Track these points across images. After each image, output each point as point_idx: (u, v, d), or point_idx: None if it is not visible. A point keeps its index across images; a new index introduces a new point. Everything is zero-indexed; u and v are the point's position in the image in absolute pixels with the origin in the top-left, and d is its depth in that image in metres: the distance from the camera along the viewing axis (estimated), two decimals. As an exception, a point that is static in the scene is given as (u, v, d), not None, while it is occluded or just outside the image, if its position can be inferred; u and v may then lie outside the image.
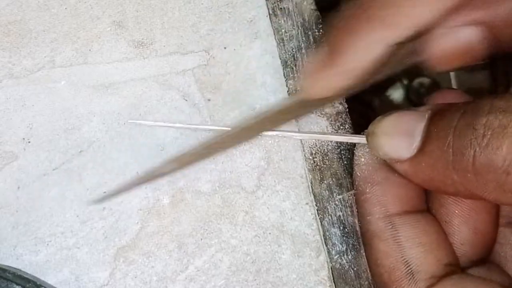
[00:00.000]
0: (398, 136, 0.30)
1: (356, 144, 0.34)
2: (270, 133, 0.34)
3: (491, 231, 0.33)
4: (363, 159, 0.34)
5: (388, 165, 0.32)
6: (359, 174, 0.34)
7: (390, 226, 0.32)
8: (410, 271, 0.31)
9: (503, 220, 0.34)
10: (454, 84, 0.62)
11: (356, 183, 0.34)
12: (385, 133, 0.30)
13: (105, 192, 0.33)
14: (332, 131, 0.35)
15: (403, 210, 0.32)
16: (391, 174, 0.33)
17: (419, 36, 0.30)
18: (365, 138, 0.32)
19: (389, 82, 0.60)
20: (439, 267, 0.31)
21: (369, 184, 0.33)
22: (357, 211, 0.34)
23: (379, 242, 0.32)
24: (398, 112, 0.31)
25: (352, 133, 0.35)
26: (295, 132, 0.34)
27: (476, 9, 0.29)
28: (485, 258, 0.34)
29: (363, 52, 0.29)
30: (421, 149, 0.29)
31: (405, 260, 0.31)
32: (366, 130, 0.32)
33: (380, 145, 0.31)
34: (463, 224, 0.33)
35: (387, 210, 0.32)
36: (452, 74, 0.62)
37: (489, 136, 0.25)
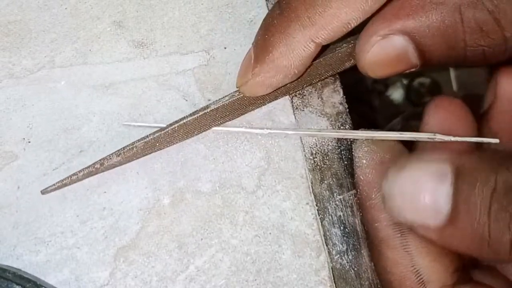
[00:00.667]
0: (419, 200, 0.27)
1: (354, 145, 0.34)
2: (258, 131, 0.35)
3: None
4: (364, 161, 0.33)
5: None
6: (362, 178, 0.33)
7: (399, 234, 0.31)
8: (421, 280, 0.30)
9: None
10: (454, 84, 0.62)
11: (360, 188, 0.33)
12: (404, 195, 0.28)
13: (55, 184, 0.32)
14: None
15: None
16: None
17: (345, 37, 0.31)
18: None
19: (389, 82, 0.60)
20: (447, 276, 0.31)
21: (375, 190, 0.32)
22: (363, 216, 0.34)
23: (387, 249, 0.32)
24: (414, 166, 0.28)
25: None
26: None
27: (402, 19, 0.30)
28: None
29: (292, 50, 0.30)
30: (451, 221, 0.27)
31: (415, 270, 0.31)
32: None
33: (401, 210, 0.28)
34: None
35: (395, 217, 0.31)
36: (452, 74, 0.63)
37: None
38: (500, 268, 0.33)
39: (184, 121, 0.33)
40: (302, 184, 0.35)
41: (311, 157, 0.35)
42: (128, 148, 0.32)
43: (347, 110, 0.36)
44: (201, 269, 0.33)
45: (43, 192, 0.32)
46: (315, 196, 0.34)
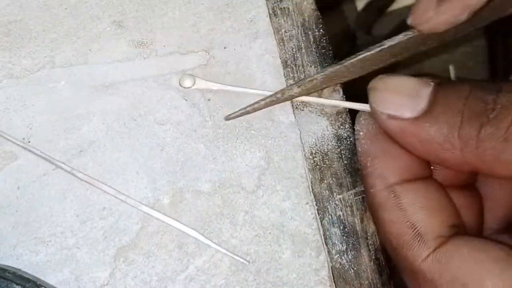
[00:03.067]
0: (402, 95, 0.31)
1: (356, 119, 0.34)
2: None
3: None
4: (361, 133, 0.34)
5: (386, 137, 0.33)
6: (359, 149, 0.34)
7: (393, 195, 0.32)
8: (417, 233, 0.32)
9: None
10: (452, 73, 0.62)
11: (359, 158, 0.34)
12: (389, 90, 0.32)
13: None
14: (332, 131, 0.35)
15: (402, 179, 0.33)
16: (389, 146, 0.33)
17: None
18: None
19: None
20: (444, 228, 0.32)
21: (369, 158, 0.33)
22: (364, 185, 0.34)
23: (383, 212, 0.33)
24: (402, 76, 0.32)
25: (352, 134, 0.35)
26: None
27: None
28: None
29: None
30: (427, 111, 0.30)
31: (410, 224, 0.32)
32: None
33: (382, 100, 0.32)
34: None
35: (388, 181, 0.33)
36: (451, 71, 0.63)
37: (498, 110, 0.28)
38: None
39: (361, 56, 0.33)
40: (302, 184, 0.35)
41: (310, 157, 0.35)
42: (308, 80, 0.34)
43: (347, 109, 0.36)
44: (201, 269, 0.33)
45: (227, 118, 0.35)
46: (314, 195, 0.35)
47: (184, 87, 0.35)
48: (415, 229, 0.32)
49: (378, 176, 0.33)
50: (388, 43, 0.33)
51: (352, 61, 0.33)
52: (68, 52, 0.35)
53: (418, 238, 0.32)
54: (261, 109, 0.35)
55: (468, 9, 0.31)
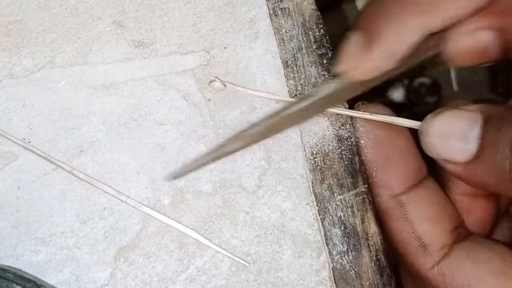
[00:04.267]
0: (452, 138, 0.32)
1: (356, 128, 0.36)
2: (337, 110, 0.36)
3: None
4: (362, 142, 0.36)
5: (387, 144, 0.35)
6: (363, 158, 0.36)
7: (398, 206, 0.35)
8: (423, 244, 0.34)
9: None
10: (454, 83, 0.63)
11: (365, 167, 0.36)
12: (439, 134, 0.32)
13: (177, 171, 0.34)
14: (333, 131, 0.36)
15: (406, 187, 0.35)
16: (391, 153, 0.35)
17: (447, 29, 0.32)
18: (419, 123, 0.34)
19: (390, 82, 0.61)
20: (447, 236, 0.34)
21: (374, 168, 0.36)
22: (371, 192, 0.36)
23: (390, 220, 0.36)
24: (449, 112, 0.33)
25: (353, 135, 0.36)
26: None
27: (493, 17, 0.32)
28: None
29: (404, 36, 0.31)
30: (477, 156, 0.31)
31: (416, 236, 0.34)
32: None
33: (434, 146, 0.33)
34: None
35: (393, 191, 0.35)
36: (452, 74, 0.64)
37: None
38: None
39: (296, 108, 0.34)
40: (303, 184, 0.35)
41: (311, 157, 0.35)
42: (245, 133, 0.33)
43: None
44: (201, 269, 0.33)
45: (168, 179, 0.34)
46: (315, 196, 0.35)
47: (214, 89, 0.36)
48: (420, 240, 0.34)
49: (383, 186, 0.36)
50: (318, 94, 0.34)
51: (288, 112, 0.34)
52: (68, 52, 0.35)
53: (423, 249, 0.34)
54: (206, 165, 0.34)
55: (394, 57, 0.32)
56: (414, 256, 0.35)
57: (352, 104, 0.36)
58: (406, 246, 0.35)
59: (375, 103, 0.37)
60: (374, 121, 0.35)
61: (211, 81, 0.35)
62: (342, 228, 0.35)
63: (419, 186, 0.36)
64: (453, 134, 0.32)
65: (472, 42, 0.33)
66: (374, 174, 0.36)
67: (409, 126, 0.35)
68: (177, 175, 0.34)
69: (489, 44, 0.33)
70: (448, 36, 0.33)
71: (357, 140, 0.36)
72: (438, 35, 0.33)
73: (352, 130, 0.36)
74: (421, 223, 0.35)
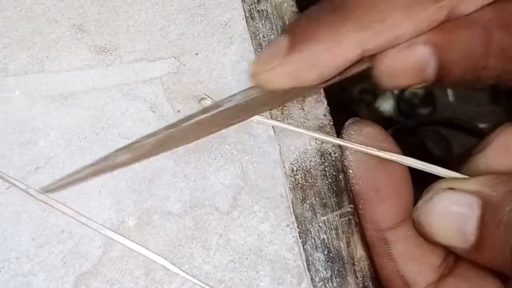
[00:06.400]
0: (448, 230, 0.35)
1: (344, 156, 0.38)
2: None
3: None
4: (351, 171, 0.38)
5: (380, 175, 0.37)
6: (352, 188, 0.38)
7: (383, 243, 0.37)
8: (406, 283, 0.37)
9: None
10: (450, 93, 0.66)
11: (353, 196, 0.38)
12: (434, 226, 0.36)
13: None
14: (315, 146, 0.39)
15: (394, 223, 0.37)
16: (383, 185, 0.37)
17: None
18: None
19: (379, 91, 0.63)
20: (433, 273, 0.37)
21: (361, 200, 0.38)
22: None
23: (374, 255, 0.38)
24: (442, 197, 0.35)
25: (338, 149, 0.39)
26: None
27: (433, 30, 0.34)
28: None
29: (340, 48, 0.33)
30: (477, 248, 0.34)
31: (400, 275, 0.37)
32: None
33: (430, 234, 0.36)
34: None
35: (379, 227, 0.37)
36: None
37: None
38: None
39: (196, 119, 0.35)
40: (282, 204, 0.37)
41: (291, 175, 0.38)
42: (137, 144, 0.33)
43: (332, 122, 0.39)
44: (170, 297, 0.35)
45: (45, 190, 0.34)
46: (296, 217, 0.37)
47: None
48: (404, 279, 0.37)
49: (369, 220, 0.38)
50: (226, 105, 0.35)
51: (187, 123, 0.34)
52: (23, 59, 0.38)
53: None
54: (85, 179, 0.33)
55: (314, 69, 0.33)
56: None
57: (342, 121, 0.39)
58: (389, 282, 0.38)
59: (368, 122, 0.38)
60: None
61: (202, 99, 0.38)
62: (326, 252, 0.37)
63: (408, 222, 0.38)
64: (449, 226, 0.35)
65: (405, 58, 0.34)
66: (360, 207, 0.38)
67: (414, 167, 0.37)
68: (51, 188, 0.33)
69: (424, 61, 0.34)
70: (375, 58, 0.35)
71: (343, 163, 0.38)
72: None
73: (336, 144, 0.38)
74: (406, 263, 0.37)
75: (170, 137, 0.35)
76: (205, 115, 0.35)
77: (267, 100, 0.36)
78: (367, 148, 0.37)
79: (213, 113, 0.35)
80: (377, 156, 0.37)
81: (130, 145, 0.34)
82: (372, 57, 0.35)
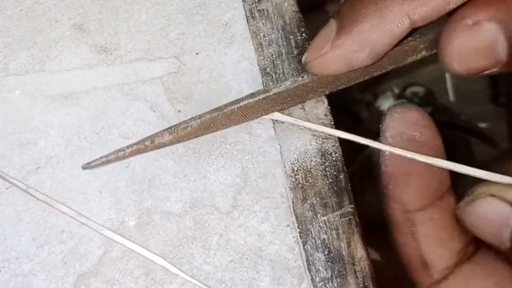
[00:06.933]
0: (488, 233, 0.35)
1: (381, 135, 0.38)
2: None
3: None
4: (387, 153, 0.37)
5: (410, 160, 0.37)
6: (383, 168, 0.38)
7: (408, 223, 0.38)
8: (425, 263, 0.38)
9: None
10: (450, 93, 0.66)
11: (382, 178, 0.38)
12: (474, 227, 0.36)
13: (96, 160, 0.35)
14: (316, 146, 0.38)
15: (421, 205, 0.37)
16: (414, 169, 0.37)
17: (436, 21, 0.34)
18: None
19: (379, 91, 0.63)
20: (452, 257, 0.38)
21: (391, 181, 0.38)
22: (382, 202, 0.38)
23: (397, 233, 0.38)
24: (483, 203, 0.35)
25: (338, 149, 0.39)
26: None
27: (495, 6, 0.33)
28: None
29: (386, 24, 0.33)
30: None
31: (420, 254, 0.38)
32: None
33: (472, 232, 0.36)
34: None
35: (406, 207, 0.37)
36: (448, 83, 0.67)
37: None
38: None
39: (244, 102, 0.36)
40: (282, 204, 0.37)
41: (292, 174, 0.38)
42: (182, 126, 0.35)
43: (332, 122, 0.39)
44: (170, 298, 0.35)
45: (84, 167, 0.35)
46: (296, 217, 0.37)
47: None
48: (423, 259, 0.37)
49: (397, 200, 0.38)
50: (275, 90, 0.36)
51: (232, 107, 0.36)
52: (24, 58, 0.38)
53: (425, 268, 0.38)
54: (127, 157, 0.36)
55: (367, 48, 0.33)
56: (415, 272, 0.38)
57: (342, 121, 0.39)
58: (409, 260, 0.38)
59: (412, 106, 0.38)
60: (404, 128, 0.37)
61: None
62: (326, 252, 0.37)
63: (436, 205, 0.38)
64: (489, 230, 0.35)
65: (471, 38, 0.33)
66: (390, 187, 0.38)
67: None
68: (93, 165, 0.35)
69: (493, 39, 0.33)
70: (442, 34, 0.34)
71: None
72: (428, 36, 0.36)
73: (337, 144, 0.38)
74: (428, 244, 0.37)
75: (215, 120, 0.36)
76: (253, 99, 0.36)
77: (317, 86, 0.37)
78: (399, 150, 0.37)
79: (261, 98, 0.36)
80: (414, 142, 0.37)
81: (173, 127, 0.35)
82: (436, 43, 0.35)
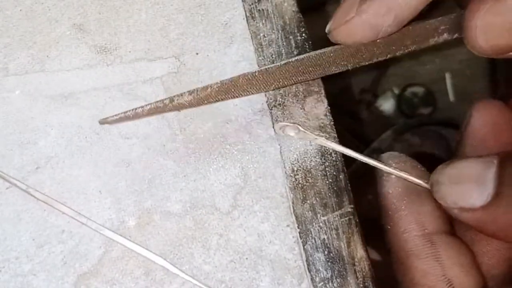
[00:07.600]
0: (467, 184, 0.33)
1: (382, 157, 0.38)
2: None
3: None
4: (393, 176, 0.37)
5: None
6: (391, 191, 0.37)
7: (429, 244, 0.36)
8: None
9: None
10: (450, 92, 0.66)
11: (388, 201, 0.37)
12: (452, 182, 0.34)
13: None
14: (315, 146, 0.38)
15: (440, 230, 0.36)
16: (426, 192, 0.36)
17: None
18: (424, 183, 0.36)
19: (379, 91, 0.63)
20: (479, 276, 0.36)
21: (405, 202, 0.37)
22: (390, 230, 0.37)
23: (417, 260, 0.36)
24: (462, 160, 0.34)
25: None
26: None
27: None
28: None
29: None
30: (496, 195, 0.32)
31: (446, 279, 0.35)
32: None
33: (448, 194, 0.34)
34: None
35: (425, 228, 0.36)
36: (448, 83, 0.67)
37: None
38: None
39: (265, 67, 0.36)
40: (282, 204, 0.37)
41: (292, 174, 0.38)
42: (201, 88, 0.36)
43: (332, 122, 0.39)
44: (170, 297, 0.35)
45: (101, 122, 0.36)
46: (296, 217, 0.37)
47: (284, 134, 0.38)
48: (450, 285, 0.35)
49: (414, 221, 0.36)
50: (296, 57, 0.36)
51: (254, 72, 0.36)
52: (24, 58, 0.38)
53: None
54: (145, 116, 0.36)
55: (391, 15, 0.33)
56: None
57: (342, 121, 0.39)
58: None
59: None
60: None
61: (282, 127, 0.38)
62: (326, 252, 0.37)
63: (454, 235, 0.37)
64: (468, 178, 0.33)
65: (498, 12, 0.31)
66: (403, 207, 0.37)
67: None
68: (110, 120, 0.36)
69: None
70: (467, 8, 0.33)
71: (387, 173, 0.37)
72: (450, 17, 0.35)
73: (336, 143, 0.38)
74: (454, 268, 0.36)
75: (235, 84, 0.36)
76: (274, 65, 0.36)
77: (339, 58, 0.37)
78: (402, 173, 0.37)
79: (282, 64, 0.36)
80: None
81: (194, 89, 0.36)
82: (458, 25, 0.34)
